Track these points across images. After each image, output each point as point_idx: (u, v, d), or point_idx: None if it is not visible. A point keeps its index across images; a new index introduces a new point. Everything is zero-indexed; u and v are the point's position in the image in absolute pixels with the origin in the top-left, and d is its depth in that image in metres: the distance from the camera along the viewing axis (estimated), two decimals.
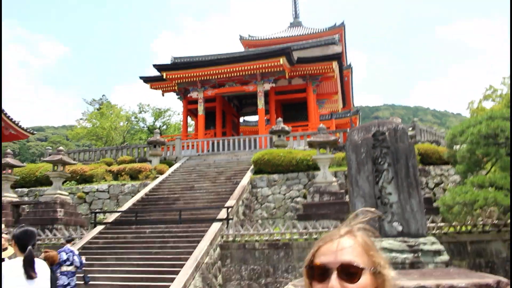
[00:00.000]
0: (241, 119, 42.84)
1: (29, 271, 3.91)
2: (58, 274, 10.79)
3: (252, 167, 22.18)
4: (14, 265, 3.94)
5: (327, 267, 1.22)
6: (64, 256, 11.03)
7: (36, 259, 4.14)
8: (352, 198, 11.92)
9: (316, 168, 19.56)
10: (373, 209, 1.41)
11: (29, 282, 3.89)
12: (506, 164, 12.64)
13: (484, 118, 13.34)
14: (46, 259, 6.79)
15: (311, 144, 18.85)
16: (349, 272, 1.21)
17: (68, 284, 10.94)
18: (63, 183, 21.37)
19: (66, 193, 20.90)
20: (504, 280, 5.28)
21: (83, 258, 11.67)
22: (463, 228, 13.61)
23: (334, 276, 1.20)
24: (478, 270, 12.13)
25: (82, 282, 11.64)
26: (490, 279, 5.54)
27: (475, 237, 13.39)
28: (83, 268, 11.55)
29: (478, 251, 13.29)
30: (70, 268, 11.06)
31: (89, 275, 11.86)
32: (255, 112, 35.55)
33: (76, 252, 11.56)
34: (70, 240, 12.14)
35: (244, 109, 39.02)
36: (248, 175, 21.12)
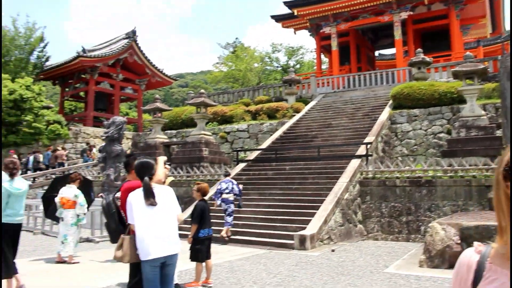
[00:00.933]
0: (376, 53, 40.87)
1: (149, 199, 4.27)
2: (218, 201, 12.64)
3: (390, 102, 21.30)
4: (138, 194, 4.33)
5: None
6: (223, 185, 12.76)
7: (160, 187, 4.51)
8: (506, 132, 10.87)
9: (461, 101, 18.09)
10: None
11: (151, 208, 4.26)
12: None
13: None
14: (198, 190, 7.43)
15: (456, 75, 17.35)
16: None
17: (226, 210, 12.61)
18: (206, 124, 22.76)
19: (210, 133, 22.25)
20: None
21: (241, 186, 13.31)
22: None
23: None
24: None
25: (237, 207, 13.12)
26: None
27: None
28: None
29: None
30: (229, 196, 12.65)
31: (242, 202, 13.33)
32: (391, 45, 33.66)
33: (235, 182, 13.08)
34: (227, 174, 13.89)
35: (379, 42, 37.10)
36: (387, 111, 20.37)
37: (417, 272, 8.37)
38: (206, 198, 7.77)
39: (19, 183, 6.70)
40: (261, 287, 7.24)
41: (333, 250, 11.14)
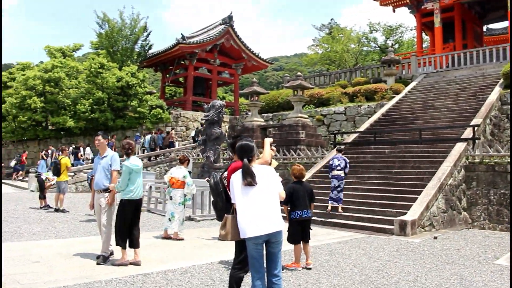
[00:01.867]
0: (484, 28, 37.92)
1: (246, 179, 4.36)
2: (330, 176, 12.85)
3: (501, 81, 19.76)
4: (239, 175, 4.45)
5: None
6: (336, 162, 12.83)
7: (261, 167, 4.58)
8: None
9: None
10: None
11: (250, 188, 4.36)
12: None
13: None
14: (291, 171, 7.46)
15: None
16: None
17: (339, 186, 12.78)
18: (302, 106, 22.70)
19: (306, 116, 22.18)
20: None
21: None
22: None
23: None
24: None
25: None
26: None
27: None
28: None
29: None
30: (340, 173, 12.73)
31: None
32: (503, 17, 31.10)
33: (348, 160, 13.12)
34: (340, 150, 13.70)
35: (488, 16, 34.36)
36: (497, 90, 18.91)
37: None
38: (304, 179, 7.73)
39: (135, 161, 7.28)
40: (361, 271, 7.13)
41: (435, 238, 10.66)
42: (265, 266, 4.51)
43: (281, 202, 7.21)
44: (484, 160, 13.89)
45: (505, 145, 14.34)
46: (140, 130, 29.62)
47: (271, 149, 5.25)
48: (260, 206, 4.35)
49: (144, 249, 7.97)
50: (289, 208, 7.36)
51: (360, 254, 8.56)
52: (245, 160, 4.49)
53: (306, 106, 25.20)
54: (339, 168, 12.72)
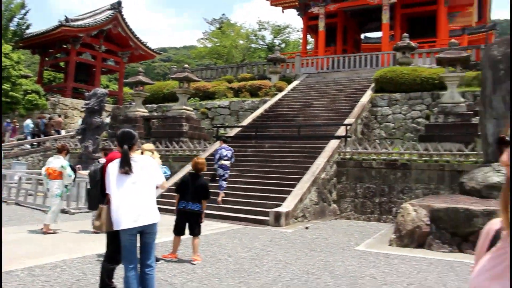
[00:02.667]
0: (362, 36, 40.89)
1: (123, 167, 4.30)
2: (216, 166, 13.43)
3: (373, 85, 21.45)
4: (116, 164, 4.38)
5: None
6: (224, 152, 13.45)
7: (140, 157, 4.60)
8: (483, 120, 11.09)
9: (442, 87, 18.29)
10: None
11: (126, 177, 4.31)
12: None
13: None
14: (194, 165, 7.51)
15: (440, 61, 17.49)
16: None
17: (223, 175, 13.39)
18: (188, 99, 22.64)
19: (191, 109, 22.16)
20: None
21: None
22: None
23: None
24: None
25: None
26: None
27: None
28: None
29: None
30: (227, 163, 13.38)
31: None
32: (378, 28, 33.66)
33: (233, 151, 13.86)
34: (227, 141, 14.42)
35: (366, 25, 37.05)
36: (369, 94, 20.53)
37: (387, 251, 8.63)
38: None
39: None
40: (236, 260, 7.38)
41: (306, 228, 11.36)
42: (138, 256, 4.50)
43: (175, 191, 7.27)
44: (353, 156, 15.06)
45: (371, 144, 15.66)
46: (12, 116, 27.38)
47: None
48: (136, 197, 4.28)
49: (10, 245, 7.46)
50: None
51: (235, 244, 8.84)
52: (125, 147, 4.38)
53: (192, 98, 25.14)
54: (226, 158, 13.35)
